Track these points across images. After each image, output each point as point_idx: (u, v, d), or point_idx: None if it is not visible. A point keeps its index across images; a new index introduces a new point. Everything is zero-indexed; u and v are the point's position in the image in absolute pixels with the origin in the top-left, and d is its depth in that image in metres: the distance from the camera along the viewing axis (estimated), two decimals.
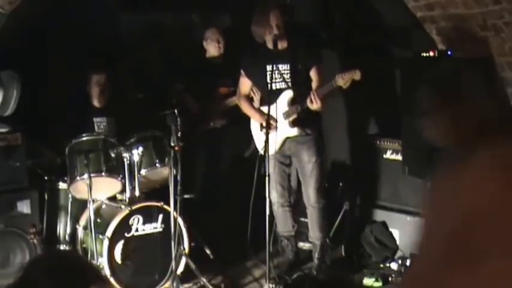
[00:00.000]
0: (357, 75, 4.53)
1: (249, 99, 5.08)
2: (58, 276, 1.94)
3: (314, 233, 5.02)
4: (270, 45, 4.75)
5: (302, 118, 4.77)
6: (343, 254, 5.29)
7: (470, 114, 2.09)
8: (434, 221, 2.03)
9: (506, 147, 2.02)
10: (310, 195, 4.93)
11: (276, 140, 4.78)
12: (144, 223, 4.66)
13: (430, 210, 2.09)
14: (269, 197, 4.55)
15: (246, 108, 5.04)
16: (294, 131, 4.80)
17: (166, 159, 4.67)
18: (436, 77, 2.26)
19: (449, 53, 4.41)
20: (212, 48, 5.53)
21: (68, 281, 1.94)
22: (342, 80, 4.54)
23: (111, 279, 4.48)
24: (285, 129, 4.79)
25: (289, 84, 4.78)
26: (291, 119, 4.78)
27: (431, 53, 4.41)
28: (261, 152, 4.71)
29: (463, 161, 2.00)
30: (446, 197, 2.00)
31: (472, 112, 2.09)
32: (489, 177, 1.94)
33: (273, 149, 4.75)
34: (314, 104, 4.60)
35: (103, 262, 4.49)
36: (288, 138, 4.84)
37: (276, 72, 4.71)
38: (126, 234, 4.60)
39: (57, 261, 2.06)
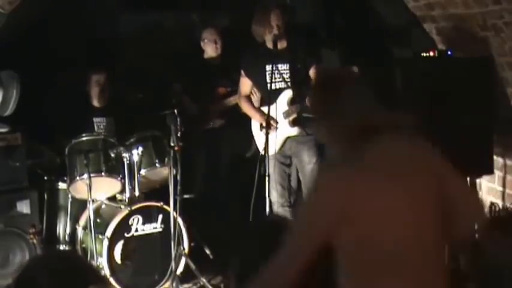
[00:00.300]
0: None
1: (250, 99, 5.08)
2: (58, 277, 1.94)
3: None
4: (269, 45, 4.75)
5: (302, 118, 4.77)
6: None
7: (348, 120, 2.19)
8: (318, 210, 2.16)
9: (378, 152, 2.14)
10: None
11: (276, 140, 4.77)
12: (143, 223, 4.65)
13: (315, 198, 2.21)
14: (269, 197, 4.55)
15: (246, 108, 5.03)
16: (294, 131, 4.80)
17: (166, 159, 4.66)
18: (319, 82, 2.39)
19: (449, 53, 4.39)
20: (210, 49, 5.52)
21: (67, 281, 1.94)
22: None
23: (111, 279, 4.47)
24: (285, 129, 4.79)
25: (289, 84, 4.78)
26: (291, 118, 4.78)
27: (431, 53, 4.39)
28: (262, 152, 4.71)
29: (341, 162, 2.19)
30: (326, 191, 2.14)
31: (350, 118, 2.19)
32: (357, 182, 2.10)
33: (273, 149, 4.75)
34: None
35: (103, 262, 4.49)
36: (288, 138, 4.84)
37: (276, 72, 4.70)
38: (125, 234, 4.59)
39: (57, 262, 2.06)
